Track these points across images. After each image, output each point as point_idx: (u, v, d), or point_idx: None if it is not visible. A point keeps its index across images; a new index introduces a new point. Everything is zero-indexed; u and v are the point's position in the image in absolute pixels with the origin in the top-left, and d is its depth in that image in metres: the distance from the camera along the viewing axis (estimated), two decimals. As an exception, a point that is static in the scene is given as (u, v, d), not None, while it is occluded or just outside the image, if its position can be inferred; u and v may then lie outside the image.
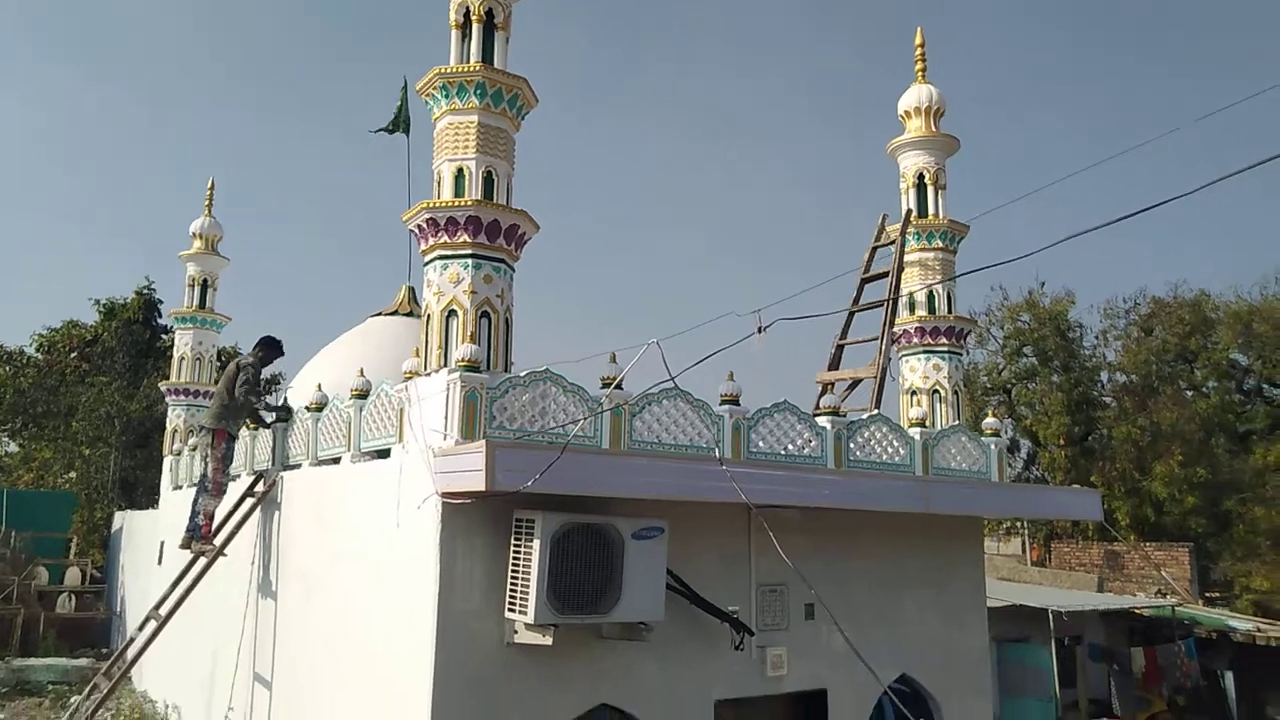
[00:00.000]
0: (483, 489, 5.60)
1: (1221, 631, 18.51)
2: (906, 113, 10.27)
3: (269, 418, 9.59)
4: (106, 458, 25.57)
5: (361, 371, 8.16)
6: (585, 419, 6.66)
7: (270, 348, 9.88)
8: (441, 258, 6.77)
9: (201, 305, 15.53)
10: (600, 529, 6.21)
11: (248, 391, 9.43)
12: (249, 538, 9.76)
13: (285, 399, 10.14)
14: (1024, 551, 27.80)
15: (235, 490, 10.12)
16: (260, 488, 9.67)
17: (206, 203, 15.87)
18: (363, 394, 7.89)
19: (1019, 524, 27.30)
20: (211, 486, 9.41)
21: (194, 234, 15.62)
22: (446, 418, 6.30)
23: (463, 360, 6.27)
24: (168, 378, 16.16)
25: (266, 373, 11.51)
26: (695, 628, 7.12)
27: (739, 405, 7.54)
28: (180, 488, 13.98)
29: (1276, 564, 24.80)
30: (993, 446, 9.28)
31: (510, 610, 6.10)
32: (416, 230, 6.87)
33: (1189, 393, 31.60)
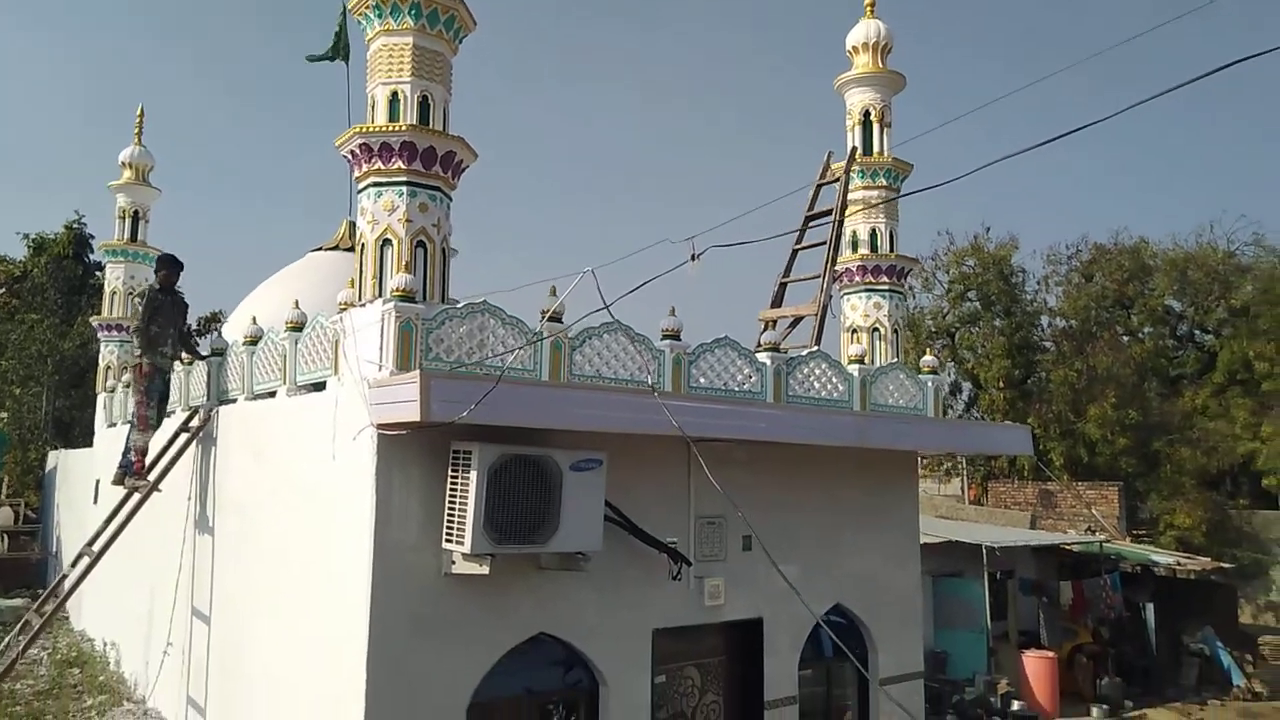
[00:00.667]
0: (418, 420, 5.54)
1: (1145, 565, 19.33)
2: (854, 48, 10.18)
3: (166, 352, 9.28)
4: (39, 397, 24.88)
5: (297, 304, 7.99)
6: (523, 350, 6.61)
7: (169, 266, 9.52)
8: (376, 185, 6.58)
9: (133, 238, 15.02)
10: (538, 461, 6.20)
11: (143, 320, 9.12)
12: (185, 473, 9.60)
13: (196, 341, 9.89)
14: (963, 492, 28.60)
15: (171, 426, 9.91)
16: (195, 423, 9.48)
17: (136, 131, 15.25)
18: (298, 326, 7.73)
19: (958, 464, 28.03)
20: (137, 421, 9.19)
21: (123, 163, 15.02)
22: (382, 349, 6.20)
23: (398, 290, 6.15)
24: (100, 314, 15.67)
25: (204, 309, 11.23)
26: (633, 558, 7.20)
27: (680, 340, 7.54)
28: (114, 425, 13.68)
29: (1198, 502, 25.85)
30: (930, 384, 9.44)
31: (448, 541, 6.09)
32: (350, 156, 6.66)
33: (1125, 338, 32.48)
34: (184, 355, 10.25)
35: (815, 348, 8.65)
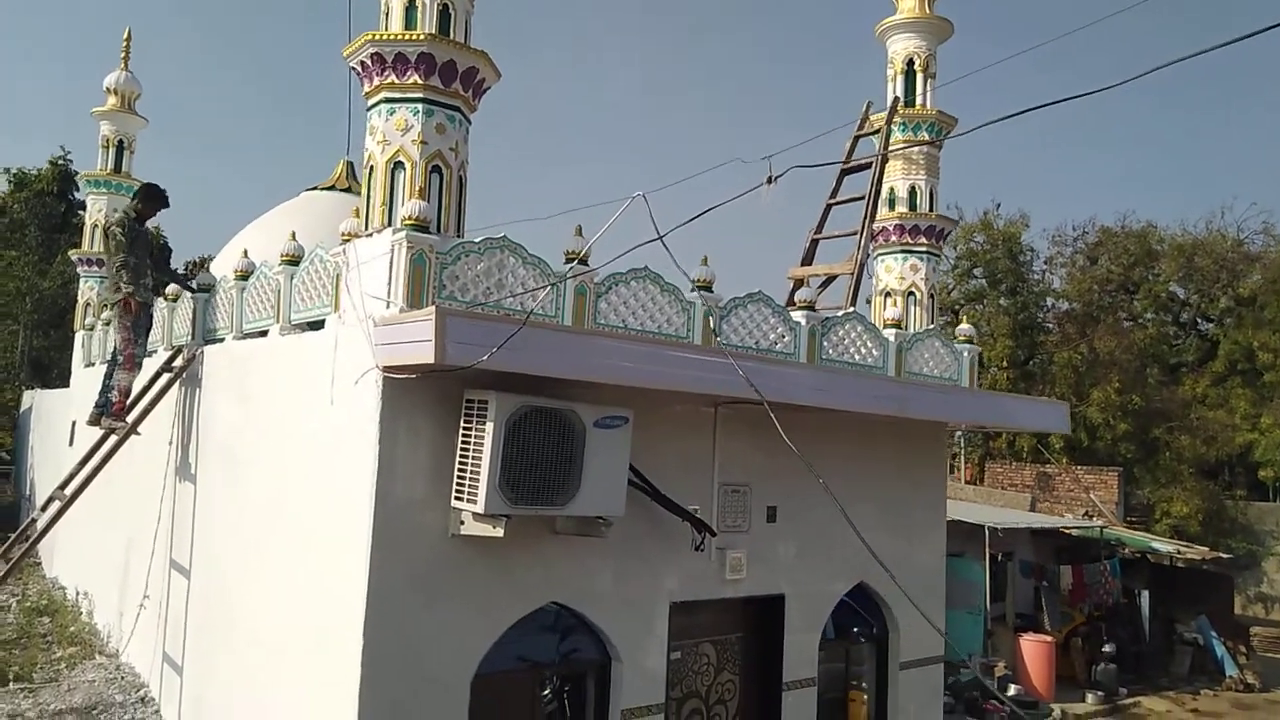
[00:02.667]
0: (430, 362, 4.93)
1: (1143, 552, 19.04)
2: (900, -9, 9.50)
3: (147, 283, 8.55)
4: (15, 336, 24.08)
5: (294, 235, 7.32)
6: (546, 293, 5.99)
7: (150, 199, 8.78)
8: (388, 100, 5.89)
9: (117, 169, 14.21)
10: (560, 414, 5.61)
11: (125, 250, 8.36)
12: (166, 417, 8.96)
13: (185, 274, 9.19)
14: (955, 471, 28.25)
15: (151, 365, 9.26)
16: (178, 363, 8.83)
17: (123, 55, 14.35)
18: (294, 260, 7.07)
19: (954, 441, 27.64)
20: (123, 359, 8.52)
21: (108, 89, 14.17)
22: (390, 284, 5.57)
23: (410, 218, 5.51)
24: (80, 248, 14.89)
25: (190, 254, 10.53)
26: (654, 526, 6.64)
27: (712, 292, 6.94)
28: (93, 365, 12.98)
29: (1195, 491, 25.62)
30: (965, 353, 8.88)
31: (458, 499, 5.50)
32: (359, 68, 5.98)
33: (1127, 323, 32.10)
34: (168, 288, 9.58)
35: (851, 309, 8.05)
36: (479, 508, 5.31)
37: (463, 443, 5.52)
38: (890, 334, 8.20)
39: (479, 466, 5.36)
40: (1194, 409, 28.73)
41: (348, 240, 6.15)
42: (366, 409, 5.56)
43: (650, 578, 6.71)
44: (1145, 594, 17.57)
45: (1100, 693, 14.78)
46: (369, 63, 5.89)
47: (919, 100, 9.26)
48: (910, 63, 9.32)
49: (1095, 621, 16.81)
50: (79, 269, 14.63)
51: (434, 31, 5.85)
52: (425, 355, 4.96)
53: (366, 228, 6.03)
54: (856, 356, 7.98)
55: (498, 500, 5.32)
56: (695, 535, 6.74)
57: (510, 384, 5.48)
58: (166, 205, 9.03)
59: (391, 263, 5.58)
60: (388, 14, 6.07)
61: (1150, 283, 32.60)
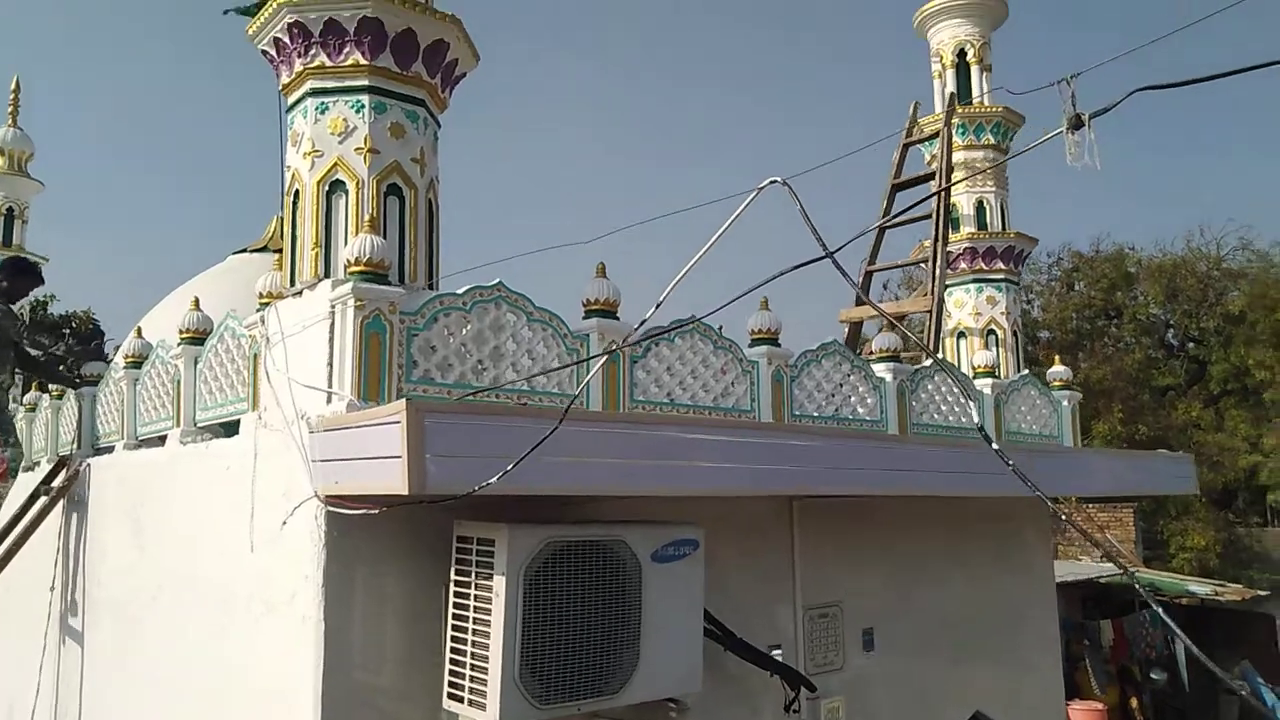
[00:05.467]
0: (403, 492, 2.98)
1: (1179, 596, 17.51)
2: (940, -28, 7.91)
3: (3, 381, 6.61)
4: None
5: (197, 303, 5.35)
6: (561, 363, 4.09)
7: (17, 274, 6.93)
8: (317, 93, 3.98)
9: (6, 241, 12.08)
10: (603, 548, 3.66)
11: None
12: (47, 552, 6.79)
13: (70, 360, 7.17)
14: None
15: (28, 484, 7.12)
16: (59, 480, 6.70)
17: (10, 109, 12.31)
18: (198, 337, 5.09)
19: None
20: None
21: (-7, 150, 12.14)
22: (333, 364, 3.63)
23: (358, 263, 3.59)
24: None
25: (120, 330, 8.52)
26: (728, 685, 4.66)
27: (779, 345, 5.08)
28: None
29: (1209, 521, 24.40)
30: (1065, 403, 7.11)
31: (453, 699, 3.50)
32: (273, 50, 4.07)
33: (1111, 349, 31.12)
34: (51, 385, 7.51)
35: (937, 356, 6.24)
36: (492, 715, 3.31)
37: (457, 607, 3.54)
38: (986, 385, 6.41)
39: (484, 646, 3.37)
40: (1191, 433, 27.68)
41: (267, 303, 4.20)
42: (301, 561, 3.57)
43: (726, 758, 4.72)
44: (1179, 642, 16.02)
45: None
46: (286, 39, 3.98)
47: (976, 96, 7.61)
48: (961, 53, 7.70)
49: (1133, 678, 15.30)
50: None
51: (381, -12, 3.98)
52: (393, 482, 3.01)
53: (293, 282, 4.08)
54: (948, 417, 6.16)
55: (518, 702, 3.32)
56: (786, 691, 4.77)
57: (523, 507, 3.55)
58: (39, 282, 7.20)
59: (333, 332, 3.64)
60: (310, -29, 4.20)
61: (1132, 306, 31.79)
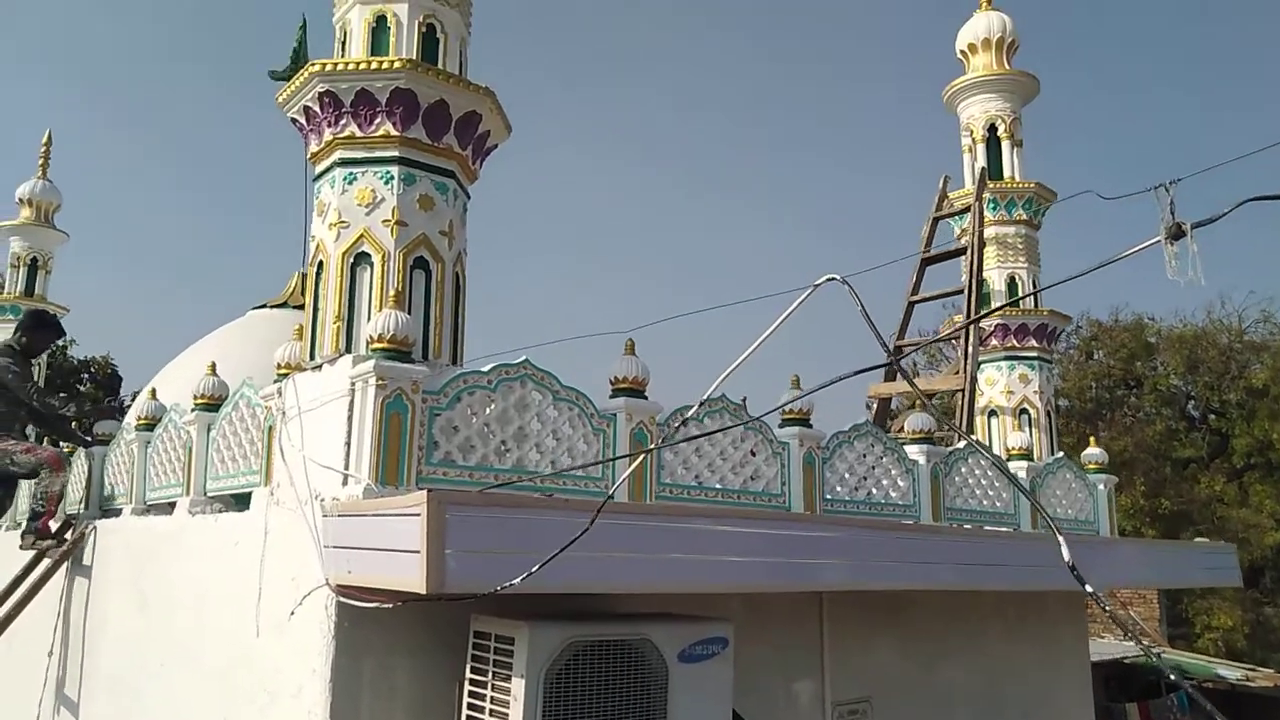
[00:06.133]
0: (421, 590, 2.80)
1: (1208, 680, 16.91)
2: (970, 48, 7.89)
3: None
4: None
5: (214, 368, 5.22)
6: (589, 448, 3.92)
7: (39, 328, 6.78)
8: (346, 163, 3.90)
9: (29, 292, 12.07)
10: (628, 648, 3.45)
11: None
12: (47, 616, 6.59)
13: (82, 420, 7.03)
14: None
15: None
16: (64, 542, 6.52)
17: (41, 161, 12.42)
18: (212, 403, 4.95)
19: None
20: (47, 460, 6.35)
21: (21, 199, 12.16)
22: (351, 444, 3.48)
23: (382, 340, 3.45)
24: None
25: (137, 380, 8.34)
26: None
27: (811, 427, 4.90)
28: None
29: (1235, 599, 23.70)
30: (1101, 487, 6.87)
31: (465, 811, 3.27)
32: (303, 118, 4.00)
33: (1130, 419, 30.70)
34: (63, 443, 7.38)
35: (972, 437, 6.04)
36: (505, 832, 3.07)
37: (471, 708, 3.32)
38: (1021, 468, 6.19)
39: (502, 753, 3.15)
40: (1215, 508, 27.12)
41: (285, 374, 4.07)
42: (308, 653, 3.37)
43: None
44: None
45: None
46: (316, 108, 3.91)
47: (1007, 171, 7.52)
48: (992, 128, 7.62)
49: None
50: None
51: (415, 58, 3.91)
52: (410, 578, 2.83)
53: (313, 356, 3.95)
54: (984, 501, 5.93)
55: (537, 817, 3.09)
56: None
57: (544, 602, 3.35)
58: (59, 336, 7.08)
59: (352, 410, 3.49)
60: (345, 40, 4.14)
61: (1152, 376, 31.42)
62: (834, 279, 2.26)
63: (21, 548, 6.55)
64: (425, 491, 2.85)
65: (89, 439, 6.96)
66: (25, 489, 6.97)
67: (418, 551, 2.81)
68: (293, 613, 3.43)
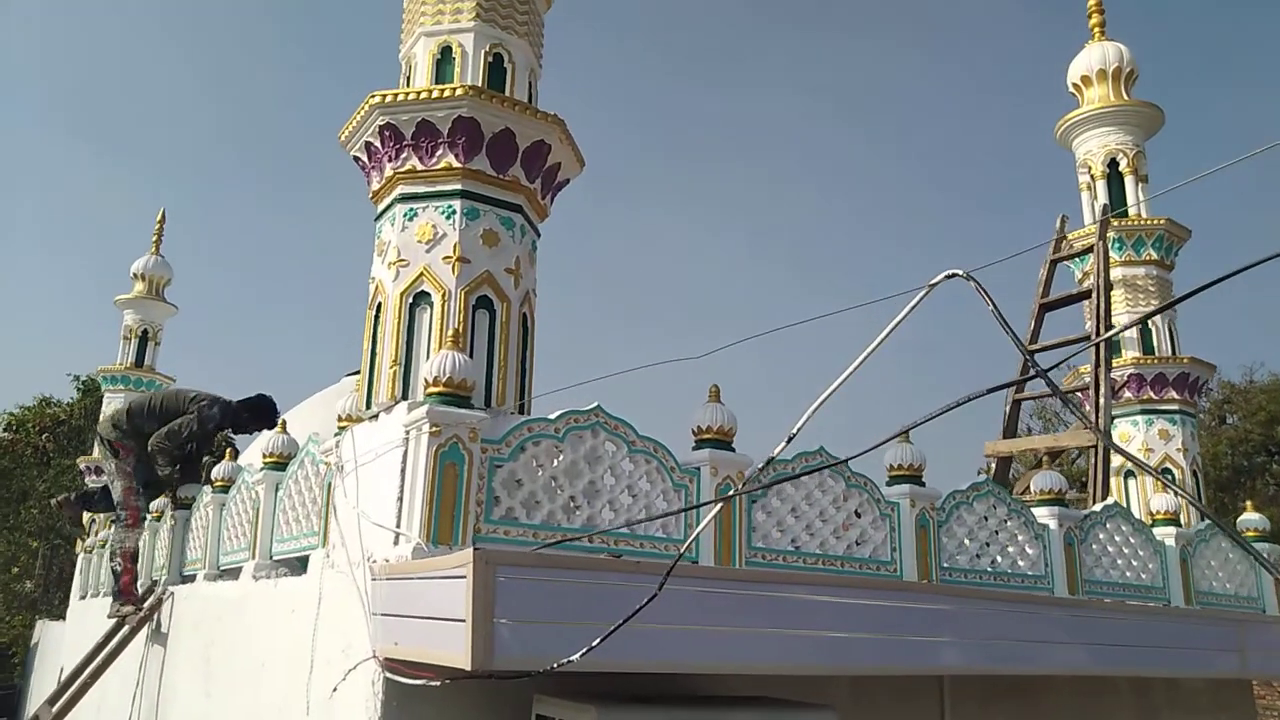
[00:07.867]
0: (465, 666, 2.40)
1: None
2: (1083, 80, 7.33)
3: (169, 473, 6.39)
4: (58, 550, 22.18)
5: (284, 426, 5.03)
6: (669, 502, 3.49)
7: (257, 411, 6.52)
8: (406, 198, 3.67)
9: (139, 362, 12.48)
10: (713, 739, 2.95)
11: (167, 438, 6.18)
12: (126, 682, 6.45)
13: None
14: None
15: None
16: (145, 606, 6.40)
17: (155, 237, 12.96)
18: (281, 461, 4.74)
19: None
20: (125, 513, 6.25)
21: (135, 275, 12.68)
22: (403, 498, 3.14)
23: (437, 383, 3.14)
24: (90, 454, 12.96)
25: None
26: None
27: (924, 485, 4.34)
28: (85, 596, 10.65)
29: None
30: (1266, 558, 5.98)
31: None
32: (364, 153, 3.80)
33: (1273, 489, 28.25)
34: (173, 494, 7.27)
35: (1109, 500, 5.34)
36: None
37: (531, 807, 2.88)
38: (1169, 534, 5.43)
39: None
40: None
41: (344, 427, 3.80)
42: (355, 733, 3.00)
43: None
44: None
45: None
46: (377, 143, 3.71)
47: (1131, 209, 6.87)
48: (1113, 162, 7.01)
49: None
50: (87, 479, 12.65)
51: (480, 84, 3.68)
52: (455, 652, 2.43)
53: (369, 405, 3.66)
54: (1127, 573, 5.19)
55: None
56: None
57: (614, 678, 2.90)
58: (270, 426, 6.66)
59: (406, 462, 3.17)
60: (410, 75, 3.95)
61: (1297, 442, 28.92)
62: (956, 274, 1.82)
63: (109, 616, 6.44)
64: (471, 550, 2.47)
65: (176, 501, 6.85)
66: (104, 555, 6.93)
67: (463, 620, 2.43)
68: (335, 689, 3.08)
